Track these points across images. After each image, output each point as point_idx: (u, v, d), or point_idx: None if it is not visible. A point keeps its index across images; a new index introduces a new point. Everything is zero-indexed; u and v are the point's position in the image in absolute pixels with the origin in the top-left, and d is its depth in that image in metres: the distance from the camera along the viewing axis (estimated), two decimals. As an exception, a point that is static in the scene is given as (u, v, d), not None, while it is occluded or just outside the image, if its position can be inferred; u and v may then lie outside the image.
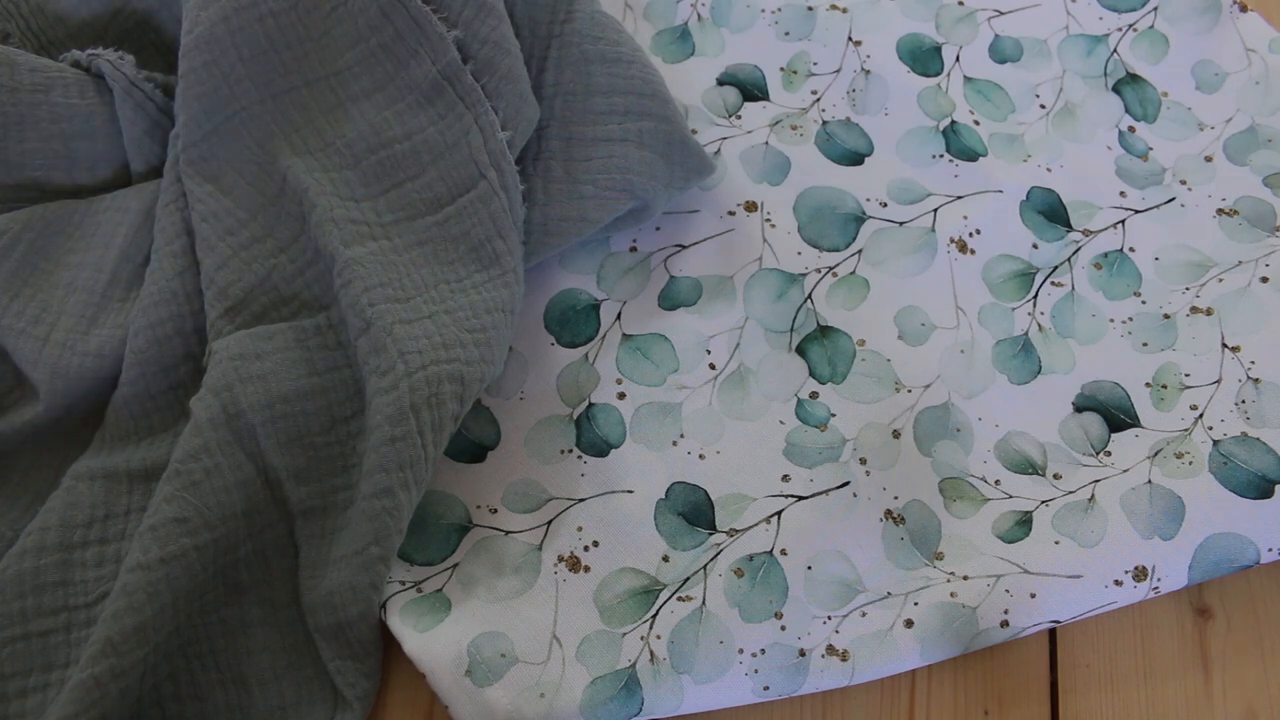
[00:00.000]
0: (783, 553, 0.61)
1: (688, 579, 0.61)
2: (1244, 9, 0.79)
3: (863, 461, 0.64)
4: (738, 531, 0.62)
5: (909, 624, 0.59)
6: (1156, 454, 0.64)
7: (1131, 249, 0.71)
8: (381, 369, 0.58)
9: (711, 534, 0.62)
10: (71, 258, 0.66)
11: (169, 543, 0.56)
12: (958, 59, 0.78)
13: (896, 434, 0.65)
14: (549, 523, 0.62)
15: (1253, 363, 0.66)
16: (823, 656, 0.59)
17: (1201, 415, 0.65)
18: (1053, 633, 0.63)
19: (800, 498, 0.63)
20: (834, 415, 0.65)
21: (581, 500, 0.63)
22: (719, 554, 0.61)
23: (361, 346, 0.59)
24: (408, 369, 0.58)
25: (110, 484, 0.61)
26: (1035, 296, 0.69)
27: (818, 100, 0.75)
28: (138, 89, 0.67)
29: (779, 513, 0.62)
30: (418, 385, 0.58)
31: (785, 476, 0.63)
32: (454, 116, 0.64)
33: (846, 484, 0.63)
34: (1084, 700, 0.61)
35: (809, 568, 0.61)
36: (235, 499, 0.58)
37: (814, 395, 0.66)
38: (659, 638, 0.59)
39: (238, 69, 0.65)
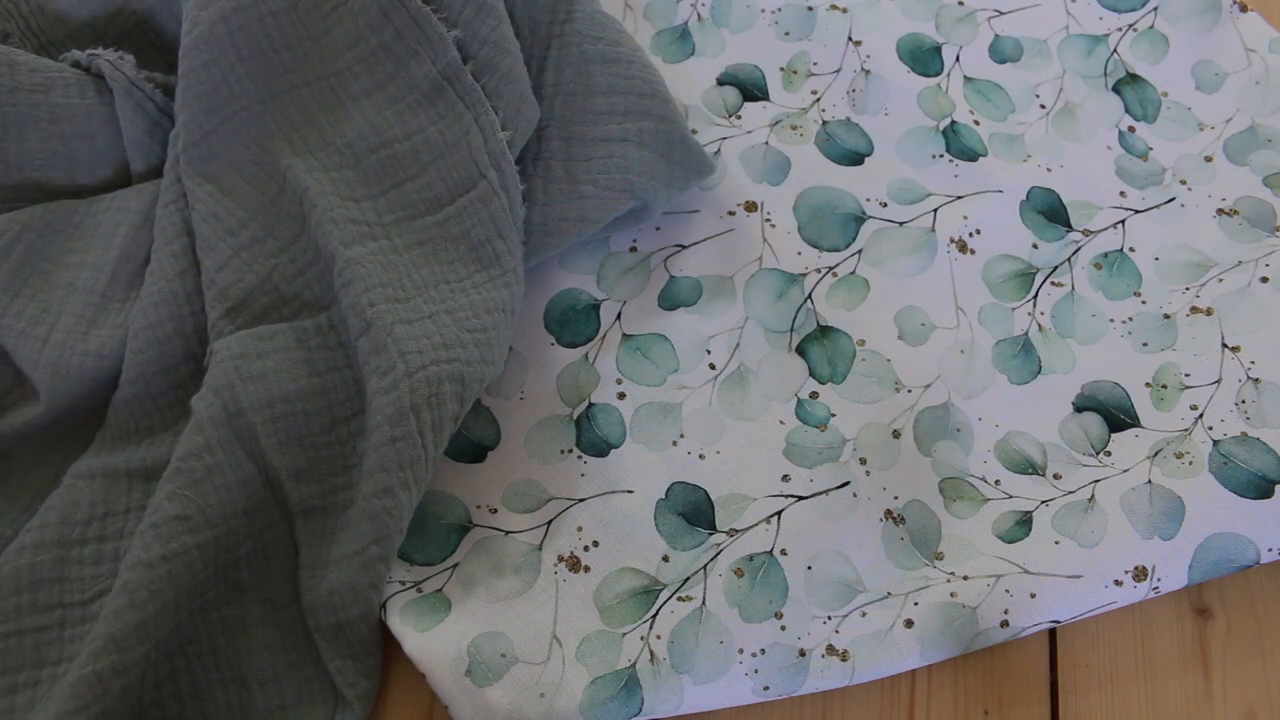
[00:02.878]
0: (783, 553, 0.61)
1: (688, 579, 0.61)
2: (1244, 9, 0.79)
3: (863, 461, 0.64)
4: (738, 531, 0.62)
5: (909, 624, 0.59)
6: (1156, 454, 0.64)
7: (1131, 249, 0.71)
8: (382, 369, 0.58)
9: (711, 534, 0.62)
10: (71, 258, 0.66)
11: (170, 540, 0.56)
12: (958, 59, 0.78)
13: (896, 434, 0.65)
14: (549, 523, 0.62)
15: (1253, 363, 0.66)
16: (823, 656, 0.59)
17: (1201, 415, 0.65)
18: (1053, 633, 0.63)
19: (800, 498, 0.63)
20: (834, 415, 0.65)
21: (581, 500, 0.63)
22: (719, 554, 0.61)
23: (362, 346, 0.59)
24: (408, 369, 0.58)
25: (110, 483, 0.61)
26: (1035, 296, 0.69)
27: (818, 100, 0.76)
28: (137, 89, 0.67)
29: (779, 513, 0.62)
30: (418, 385, 0.58)
31: (785, 476, 0.63)
32: (454, 116, 0.64)
33: (846, 484, 0.63)
34: (1084, 700, 0.61)
35: (809, 568, 0.61)
36: (236, 497, 0.58)
37: (814, 395, 0.66)
38: (659, 638, 0.59)
39: (237, 69, 0.65)
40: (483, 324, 0.60)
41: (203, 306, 0.64)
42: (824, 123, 0.75)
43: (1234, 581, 0.64)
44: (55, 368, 0.62)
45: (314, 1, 0.66)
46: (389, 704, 0.61)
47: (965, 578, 0.61)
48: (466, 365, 0.59)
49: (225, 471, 0.58)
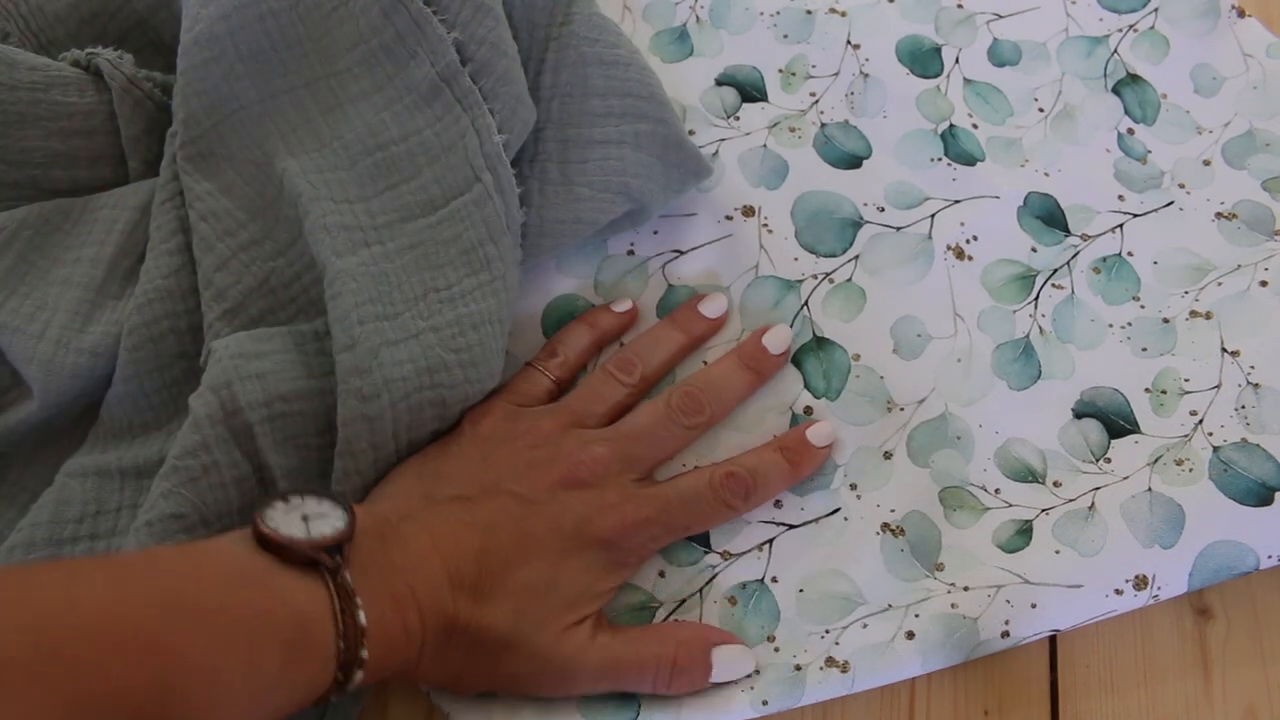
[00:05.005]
0: (773, 580, 0.62)
1: (683, 601, 0.61)
2: (1242, 14, 0.79)
3: (853, 487, 0.64)
4: (732, 555, 0.62)
5: (910, 636, 0.59)
6: (1156, 461, 0.64)
7: (1130, 253, 0.71)
8: (364, 394, 0.58)
9: (707, 553, 0.62)
10: (68, 254, 0.65)
11: (166, 538, 0.56)
12: (957, 61, 0.77)
13: (888, 455, 0.64)
14: (546, 532, 0.62)
15: (1252, 367, 0.66)
16: (820, 669, 0.59)
17: (1201, 421, 0.65)
18: (1054, 634, 0.62)
19: (791, 526, 0.63)
20: None
21: (578, 510, 0.63)
22: (714, 578, 0.61)
23: (344, 362, 0.59)
24: (392, 399, 0.58)
25: (102, 481, 0.61)
26: (1036, 298, 0.69)
27: (816, 102, 0.75)
28: (136, 87, 0.67)
29: (770, 540, 0.62)
30: (400, 415, 0.59)
31: (777, 503, 0.63)
32: (451, 119, 0.64)
33: (837, 510, 0.63)
34: (1084, 701, 0.61)
35: (800, 590, 0.61)
36: (232, 496, 0.58)
37: (808, 410, 0.65)
38: None
39: (237, 68, 0.65)
40: (468, 341, 0.60)
41: (198, 304, 0.64)
42: (822, 125, 0.74)
43: (1234, 583, 0.63)
44: (49, 365, 0.62)
45: (315, 1, 0.65)
46: (389, 705, 0.61)
47: (966, 589, 0.61)
48: (449, 389, 0.60)
49: (221, 470, 0.58)
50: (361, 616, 0.50)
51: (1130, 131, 0.75)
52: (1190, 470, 0.63)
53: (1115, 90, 0.77)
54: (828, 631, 0.60)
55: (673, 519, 0.60)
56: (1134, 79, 0.77)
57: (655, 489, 0.60)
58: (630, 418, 0.63)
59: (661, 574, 0.61)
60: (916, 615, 0.60)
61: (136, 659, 0.44)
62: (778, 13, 0.78)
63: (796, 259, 0.69)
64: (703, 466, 0.63)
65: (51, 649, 0.42)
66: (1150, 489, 0.63)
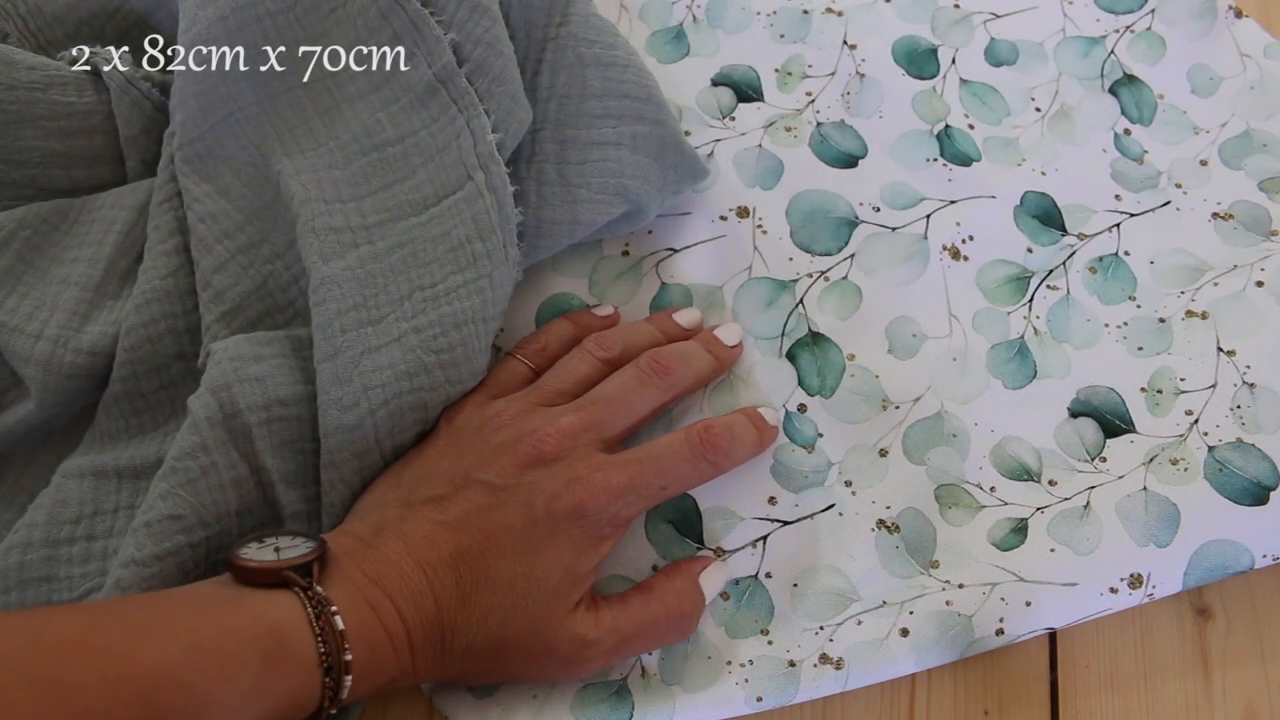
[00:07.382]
0: (768, 575, 0.62)
1: None
2: (1239, 14, 0.79)
3: (848, 484, 0.64)
4: (725, 552, 0.62)
5: (904, 633, 0.59)
6: (1152, 460, 0.64)
7: (1126, 253, 0.71)
8: (344, 403, 0.58)
9: (699, 549, 0.62)
10: (66, 254, 0.65)
11: (164, 539, 0.56)
12: (954, 61, 0.77)
13: (883, 453, 0.64)
14: (540, 530, 0.62)
15: (1248, 367, 0.66)
16: (814, 666, 0.59)
17: (1197, 420, 0.65)
18: (1053, 633, 0.63)
19: (785, 522, 0.63)
20: (821, 436, 0.65)
21: (573, 507, 0.63)
22: None
23: (325, 373, 0.59)
24: (370, 406, 0.58)
25: (99, 482, 0.61)
26: (1031, 300, 0.69)
27: (812, 102, 0.75)
28: (134, 87, 0.67)
29: (764, 537, 0.62)
30: (381, 421, 0.59)
31: (771, 499, 0.63)
32: (446, 119, 0.64)
33: (831, 506, 0.63)
34: (1084, 701, 0.61)
35: (795, 585, 0.61)
36: (230, 497, 0.58)
37: (802, 408, 0.65)
38: (650, 654, 0.59)
39: (234, 70, 0.65)
40: (450, 342, 0.60)
41: (195, 305, 0.64)
42: (818, 124, 0.74)
43: (1234, 582, 0.64)
44: (48, 364, 0.62)
45: (313, 3, 0.65)
46: (389, 706, 0.61)
47: (961, 586, 0.61)
48: (430, 392, 0.60)
49: (220, 471, 0.58)
50: (338, 621, 0.51)
51: (1127, 132, 0.75)
52: (1185, 469, 0.63)
53: (1112, 90, 0.77)
54: (822, 628, 0.60)
55: (647, 482, 0.58)
56: (1131, 79, 0.77)
57: (626, 454, 0.59)
58: (599, 387, 0.62)
59: (655, 569, 0.61)
60: (911, 612, 0.60)
61: (113, 682, 0.44)
62: (774, 12, 0.78)
63: (791, 259, 0.69)
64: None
65: (25, 675, 0.43)
66: (1145, 488, 0.63)
